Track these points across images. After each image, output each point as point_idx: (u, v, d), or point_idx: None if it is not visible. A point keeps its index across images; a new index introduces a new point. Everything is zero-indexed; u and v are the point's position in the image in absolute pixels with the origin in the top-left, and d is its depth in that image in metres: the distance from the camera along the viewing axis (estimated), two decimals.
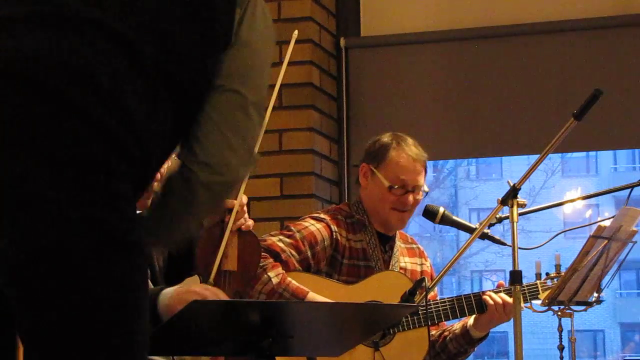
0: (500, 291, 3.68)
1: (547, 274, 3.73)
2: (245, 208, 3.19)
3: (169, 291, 2.85)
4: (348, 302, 3.49)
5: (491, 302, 3.65)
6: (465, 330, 3.73)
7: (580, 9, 5.13)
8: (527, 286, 3.67)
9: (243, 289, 3.19)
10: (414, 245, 3.94)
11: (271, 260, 3.58)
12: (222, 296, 2.83)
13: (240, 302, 2.73)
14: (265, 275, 3.53)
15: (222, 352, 2.79)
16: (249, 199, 5.10)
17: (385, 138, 3.80)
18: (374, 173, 3.77)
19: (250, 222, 3.22)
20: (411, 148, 3.76)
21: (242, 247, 3.17)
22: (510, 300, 3.58)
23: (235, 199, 3.15)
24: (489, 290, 3.69)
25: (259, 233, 3.79)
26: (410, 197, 3.73)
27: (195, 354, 2.79)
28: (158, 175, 2.96)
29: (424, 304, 3.47)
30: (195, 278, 3.21)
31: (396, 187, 3.72)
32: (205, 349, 2.73)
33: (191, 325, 2.57)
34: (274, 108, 5.08)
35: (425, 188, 3.80)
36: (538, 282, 3.70)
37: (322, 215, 3.77)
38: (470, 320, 3.72)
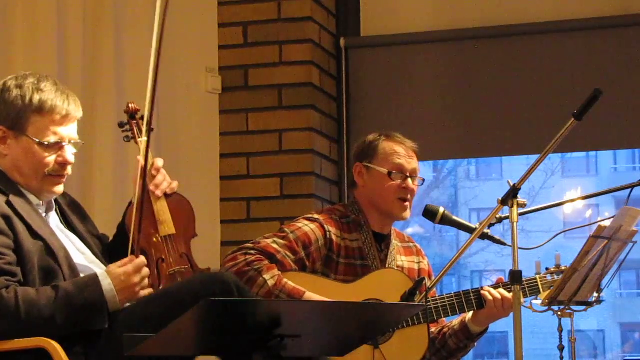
0: (499, 286, 3.68)
1: (547, 268, 3.73)
2: (163, 171, 3.20)
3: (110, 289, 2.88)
4: (355, 301, 3.49)
5: (490, 297, 3.65)
6: (464, 325, 3.74)
7: (580, 9, 5.14)
8: (526, 281, 3.68)
9: (188, 250, 3.18)
10: (411, 244, 3.94)
11: (266, 262, 3.58)
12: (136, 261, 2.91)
13: (249, 302, 2.73)
14: (261, 278, 3.53)
15: (230, 352, 2.78)
16: (249, 199, 5.12)
17: (372, 136, 3.84)
18: (369, 168, 3.78)
19: (175, 184, 3.23)
20: (400, 137, 3.82)
21: (174, 210, 3.18)
22: (508, 295, 3.60)
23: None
24: (488, 286, 3.70)
25: (259, 233, 3.79)
26: (410, 182, 3.75)
27: (203, 354, 2.78)
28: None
29: (424, 302, 3.47)
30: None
31: (395, 172, 3.73)
32: (214, 349, 2.72)
33: (200, 325, 2.57)
34: (274, 108, 5.12)
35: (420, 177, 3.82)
36: (537, 276, 3.71)
37: (315, 216, 3.77)
38: (469, 315, 3.73)
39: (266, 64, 5.10)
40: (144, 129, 3.13)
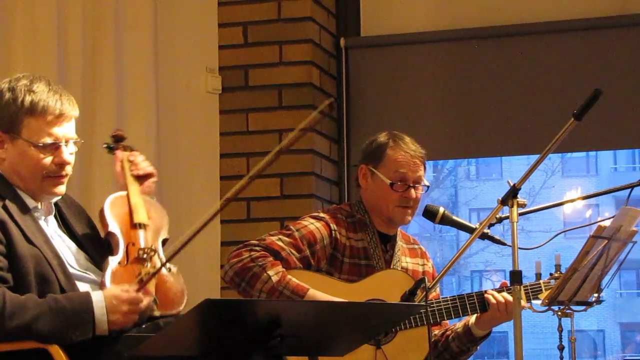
0: (502, 290, 3.68)
1: (550, 274, 3.73)
2: (136, 160, 3.30)
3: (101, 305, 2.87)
4: (356, 300, 3.49)
5: (493, 301, 3.65)
6: (467, 328, 3.73)
7: (580, 9, 5.13)
8: (530, 286, 3.68)
9: (157, 247, 3.18)
10: (416, 246, 3.94)
11: (271, 258, 3.58)
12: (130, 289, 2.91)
13: (249, 302, 2.74)
14: (265, 274, 3.53)
15: (230, 352, 2.79)
16: (249, 199, 5.12)
17: (382, 137, 3.81)
18: (373, 173, 3.78)
19: (153, 168, 3.31)
20: (408, 145, 3.78)
21: (149, 208, 3.23)
22: (512, 299, 3.58)
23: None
24: (492, 289, 3.70)
25: (259, 233, 3.79)
26: (413, 192, 3.74)
27: (203, 354, 2.78)
28: None
29: (424, 302, 3.47)
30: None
31: (397, 183, 3.73)
32: (213, 349, 2.72)
33: (200, 325, 2.57)
34: (274, 108, 5.12)
35: (426, 182, 3.81)
36: (541, 282, 3.70)
37: (321, 214, 3.77)
38: (472, 318, 3.72)
39: (266, 64, 5.10)
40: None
